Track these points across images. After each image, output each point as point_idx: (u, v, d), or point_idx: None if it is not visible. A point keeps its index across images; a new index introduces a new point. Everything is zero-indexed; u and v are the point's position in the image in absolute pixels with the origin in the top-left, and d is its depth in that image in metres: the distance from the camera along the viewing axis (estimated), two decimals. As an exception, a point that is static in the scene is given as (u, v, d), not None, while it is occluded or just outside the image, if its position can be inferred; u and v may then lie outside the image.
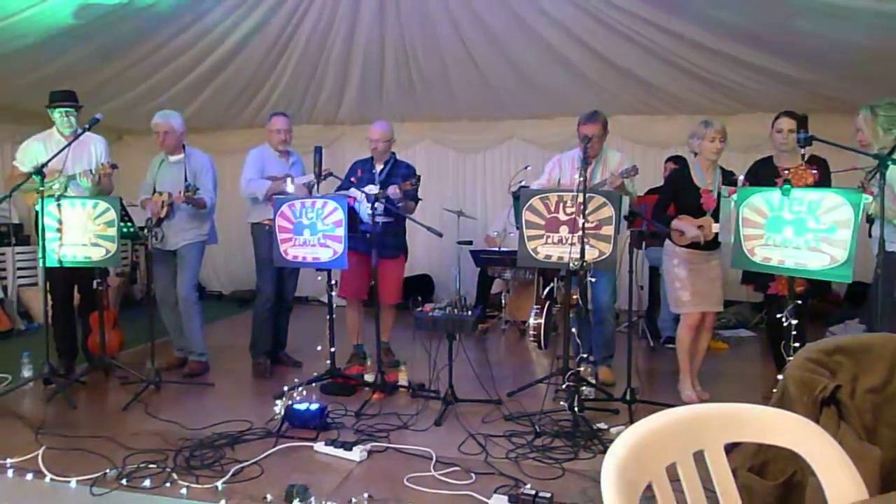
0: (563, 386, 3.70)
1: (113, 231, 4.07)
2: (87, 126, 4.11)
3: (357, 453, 3.15)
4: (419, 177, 4.52)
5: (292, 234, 4.08)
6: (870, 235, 3.49)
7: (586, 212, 3.54)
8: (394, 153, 4.76)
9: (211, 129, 7.52)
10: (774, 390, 2.04)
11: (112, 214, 4.07)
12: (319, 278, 4.21)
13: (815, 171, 3.79)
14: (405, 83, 6.47)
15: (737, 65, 5.37)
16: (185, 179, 4.46)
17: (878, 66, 4.91)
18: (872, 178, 3.09)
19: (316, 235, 4.01)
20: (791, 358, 2.76)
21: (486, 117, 7.26)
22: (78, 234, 4.10)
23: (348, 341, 4.83)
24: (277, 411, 3.67)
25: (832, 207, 2.94)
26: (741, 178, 3.83)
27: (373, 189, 4.40)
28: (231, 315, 6.95)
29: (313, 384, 4.14)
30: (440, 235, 4.16)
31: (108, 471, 2.97)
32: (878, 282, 3.24)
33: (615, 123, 5.77)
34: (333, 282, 4.21)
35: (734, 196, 3.35)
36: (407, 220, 4.58)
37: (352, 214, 4.10)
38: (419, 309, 3.92)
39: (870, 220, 3.41)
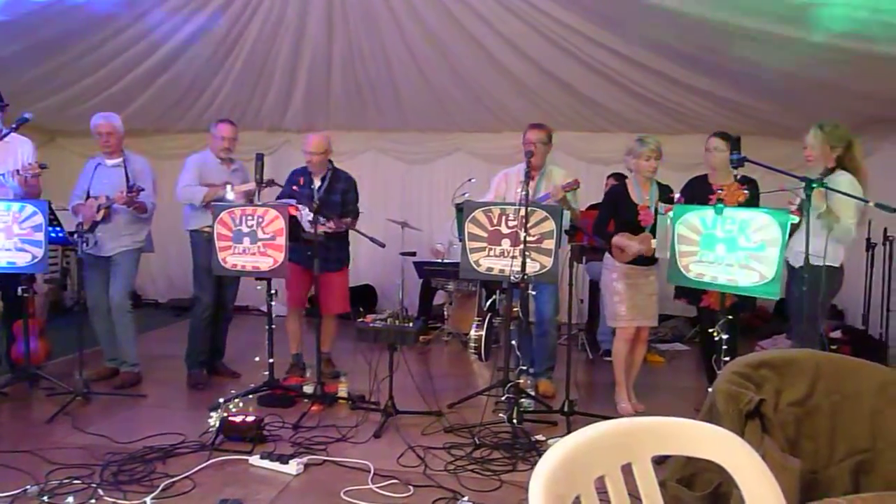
0: (503, 398, 3.73)
1: (40, 236, 3.92)
2: (14, 126, 3.94)
3: (293, 466, 3.10)
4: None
5: (231, 242, 3.99)
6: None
7: (528, 225, 3.58)
8: (331, 162, 4.70)
9: (150, 133, 7.32)
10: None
11: (39, 218, 3.92)
12: (259, 287, 4.14)
13: (746, 191, 3.89)
14: (352, 91, 6.44)
15: (677, 86, 5.55)
16: (128, 181, 4.33)
17: (809, 94, 5.15)
18: (805, 201, 3.19)
19: (256, 244, 3.95)
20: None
21: (433, 128, 7.26)
22: (2, 238, 3.94)
23: (288, 351, 4.74)
24: (212, 423, 3.56)
25: (762, 227, 3.02)
26: (677, 195, 3.92)
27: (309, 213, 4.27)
28: (167, 324, 6.76)
29: (251, 395, 4.05)
30: (382, 246, 4.15)
31: (28, 487, 2.83)
32: (790, 295, 3.39)
33: (559, 139, 5.85)
34: (273, 291, 4.13)
35: (670, 213, 3.43)
36: (350, 231, 4.56)
37: (294, 223, 4.05)
38: (361, 320, 3.89)
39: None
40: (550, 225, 3.63)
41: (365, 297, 7.15)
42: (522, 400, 3.81)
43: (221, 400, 3.84)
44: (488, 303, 5.40)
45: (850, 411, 1.94)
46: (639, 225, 4.04)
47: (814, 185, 3.13)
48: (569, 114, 6.48)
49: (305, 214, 4.28)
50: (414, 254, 6.35)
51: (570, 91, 5.96)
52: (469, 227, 3.78)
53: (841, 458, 1.90)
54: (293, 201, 4.33)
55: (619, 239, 4.06)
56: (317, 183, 4.60)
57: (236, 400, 3.89)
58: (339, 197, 4.60)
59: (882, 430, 1.91)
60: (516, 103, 6.31)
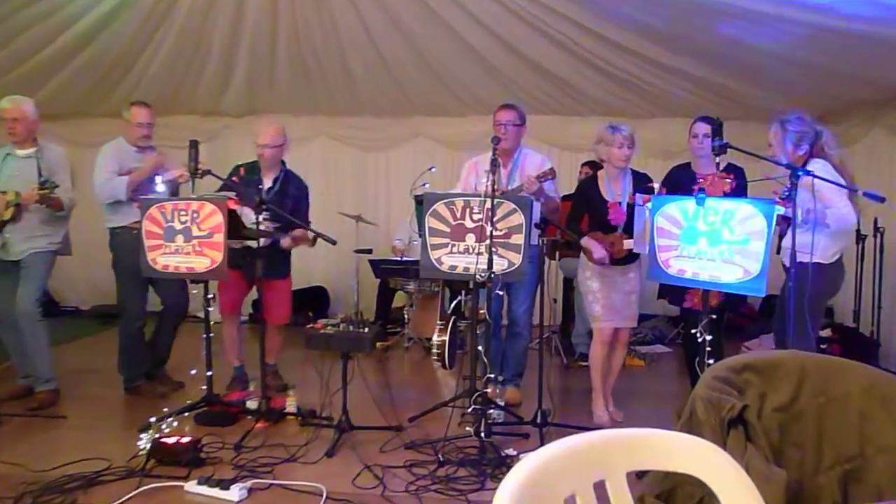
0: (470, 409, 3.72)
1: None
2: None
3: (235, 492, 3.05)
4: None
5: (162, 241, 3.93)
6: (777, 252, 3.70)
7: (494, 219, 3.59)
8: (284, 163, 4.64)
9: (68, 117, 7.12)
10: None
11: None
12: (195, 291, 4.08)
13: (731, 181, 3.99)
14: (299, 71, 6.37)
15: (655, 67, 5.60)
16: (40, 175, 4.19)
17: (795, 76, 5.26)
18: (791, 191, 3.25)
19: (190, 242, 3.89)
20: (704, 375, 2.98)
21: (391, 112, 7.25)
22: None
23: (228, 363, 4.67)
24: (142, 446, 3.49)
25: (746, 218, 3.09)
26: (657, 185, 3.96)
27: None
28: (91, 333, 6.60)
29: (186, 413, 3.98)
30: (333, 243, 4.11)
31: (-72, 524, 2.78)
32: (784, 294, 3.46)
33: (532, 123, 5.90)
34: (210, 296, 4.07)
35: (649, 204, 3.47)
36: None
37: (234, 218, 3.98)
38: (310, 326, 3.86)
39: (782, 233, 3.63)
40: (519, 218, 3.65)
41: (316, 301, 7.11)
42: (491, 411, 3.81)
43: (153, 419, 3.75)
44: (453, 304, 5.43)
45: (836, 415, 1.99)
46: (609, 223, 4.08)
47: (799, 174, 3.19)
48: (539, 96, 6.52)
49: (247, 214, 4.17)
50: (370, 251, 6.34)
51: (540, 71, 6.00)
52: (429, 222, 3.77)
53: (829, 466, 1.95)
54: (233, 193, 4.23)
55: (587, 241, 4.11)
56: (266, 184, 4.51)
57: (170, 419, 3.81)
58: (291, 203, 4.50)
59: (870, 435, 1.96)
60: (482, 84, 6.33)
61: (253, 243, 4.09)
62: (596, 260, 4.05)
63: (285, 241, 4.40)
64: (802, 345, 3.24)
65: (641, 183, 4.08)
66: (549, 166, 4.27)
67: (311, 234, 4.32)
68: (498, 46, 5.67)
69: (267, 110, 7.05)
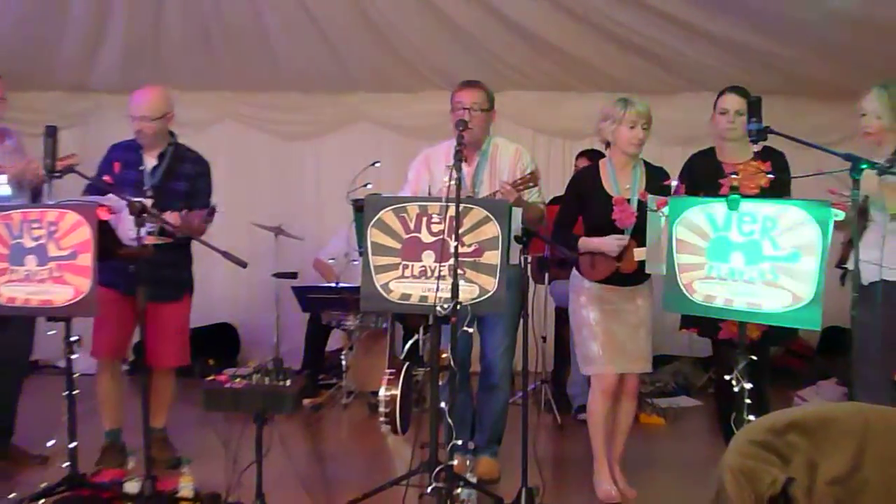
0: (430, 489, 3.65)
1: None
2: None
3: None
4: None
5: (7, 264, 3.84)
6: (840, 265, 3.77)
7: (460, 231, 3.57)
8: (173, 134, 4.65)
9: None
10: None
11: None
12: (52, 332, 4.01)
13: (769, 173, 4.02)
14: (196, 33, 6.34)
15: (674, 26, 5.68)
16: None
17: (861, 38, 5.37)
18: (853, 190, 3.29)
19: (46, 266, 3.80)
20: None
21: (322, 88, 7.27)
22: None
23: (100, 428, 4.60)
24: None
25: (793, 226, 3.08)
26: (675, 182, 3.98)
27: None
28: None
29: (41, 501, 3.84)
30: (243, 265, 4.05)
31: None
32: (857, 324, 3.38)
33: (507, 103, 5.96)
34: (76, 338, 3.95)
35: (665, 209, 3.46)
36: (194, 243, 4.46)
37: (106, 232, 3.90)
38: (212, 378, 3.80)
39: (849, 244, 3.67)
40: (493, 229, 3.62)
41: (220, 343, 7.04)
42: (459, 491, 3.77)
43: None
44: (406, 347, 5.19)
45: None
46: (613, 225, 4.07)
47: (863, 167, 3.21)
48: (521, 66, 6.58)
49: (126, 217, 4.08)
50: (295, 275, 6.29)
51: (523, 34, 6.04)
52: (373, 235, 3.73)
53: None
54: (107, 199, 4.12)
55: (584, 240, 4.11)
56: (149, 163, 4.51)
57: (17, 509, 3.76)
58: (185, 185, 4.52)
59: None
60: (444, 52, 6.39)
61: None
62: (609, 269, 4.02)
63: (172, 216, 4.28)
64: (879, 396, 3.26)
65: (657, 181, 4.10)
66: (531, 168, 4.28)
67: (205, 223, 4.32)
68: (466, 1, 5.70)
69: (152, 83, 6.91)
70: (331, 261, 6.32)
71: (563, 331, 5.91)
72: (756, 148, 3.62)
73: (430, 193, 4.29)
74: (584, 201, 4.19)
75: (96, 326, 4.49)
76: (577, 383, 5.64)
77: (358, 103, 7.37)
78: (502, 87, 5.96)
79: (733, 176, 3.75)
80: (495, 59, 6.37)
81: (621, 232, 4.06)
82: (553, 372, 6.05)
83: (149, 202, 4.15)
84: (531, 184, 4.12)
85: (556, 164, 6.62)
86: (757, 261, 3.17)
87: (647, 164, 4.21)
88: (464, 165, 4.09)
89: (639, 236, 3.93)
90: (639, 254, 3.95)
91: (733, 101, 4.05)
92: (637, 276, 4.05)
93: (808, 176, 3.91)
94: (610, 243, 4.01)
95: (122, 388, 4.72)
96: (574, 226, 4.23)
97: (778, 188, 4.00)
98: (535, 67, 6.61)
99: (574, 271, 4.21)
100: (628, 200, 4.07)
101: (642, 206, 3.91)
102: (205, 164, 4.69)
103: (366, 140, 7.32)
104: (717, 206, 3.29)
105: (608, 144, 4.20)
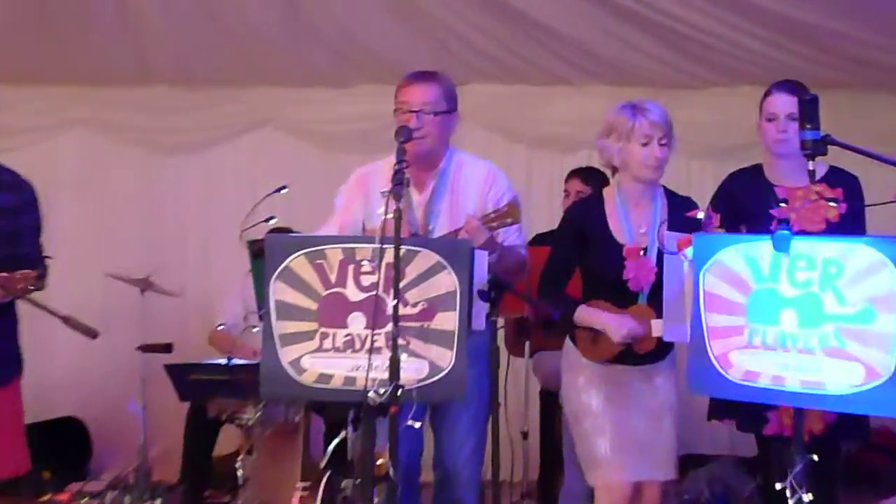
0: None
1: None
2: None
3: None
4: None
5: None
6: None
7: (402, 284, 3.45)
8: None
9: None
10: None
11: None
12: None
13: (839, 201, 3.95)
14: (19, 10, 6.21)
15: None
16: None
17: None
18: None
19: None
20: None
21: (209, 81, 7.19)
22: None
23: None
24: None
25: (865, 272, 3.01)
26: (701, 213, 3.90)
27: None
28: None
29: None
30: (93, 336, 4.01)
31: None
32: None
33: (474, 101, 5.87)
34: None
35: (689, 251, 3.42)
36: (21, 303, 4.33)
37: None
38: (47, 499, 3.86)
39: None
40: (449, 281, 3.49)
41: (62, 446, 6.81)
42: None
43: None
44: (328, 450, 5.23)
45: None
46: (624, 286, 3.98)
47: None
48: (491, 50, 6.55)
49: None
50: (169, 347, 6.15)
51: (494, 6, 5.98)
52: (278, 291, 3.63)
53: None
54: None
55: (586, 313, 4.00)
56: None
57: None
58: (4, 225, 4.37)
59: None
60: (387, 33, 6.33)
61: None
62: (617, 346, 3.94)
63: None
64: None
65: (678, 212, 4.01)
66: (508, 197, 4.15)
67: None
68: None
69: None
70: (220, 327, 6.16)
71: (553, 423, 5.80)
72: (815, 167, 3.48)
73: (364, 231, 4.20)
74: (583, 248, 4.10)
75: None
76: (575, 496, 5.46)
77: (261, 102, 7.29)
78: (466, 80, 6.10)
79: (783, 205, 3.79)
80: (460, 42, 6.31)
81: (635, 296, 3.98)
82: (539, 481, 5.95)
83: None
84: (509, 219, 3.97)
85: (540, 186, 6.48)
86: (816, 322, 3.09)
87: (668, 192, 4.13)
88: (413, 192, 4.15)
89: (656, 300, 3.90)
90: (657, 327, 3.89)
91: (784, 103, 3.96)
92: (657, 350, 3.99)
93: (886, 204, 3.87)
94: (617, 327, 3.93)
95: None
96: (569, 281, 4.16)
97: (851, 224, 3.95)
98: (510, 52, 6.54)
99: (567, 341, 4.12)
100: (644, 251, 3.99)
101: (661, 257, 3.87)
102: (29, 191, 4.52)
103: (271, 154, 7.23)
104: (762, 247, 3.20)
105: (615, 168, 4.12)
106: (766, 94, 4.07)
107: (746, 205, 4.01)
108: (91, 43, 6.64)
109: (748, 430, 4.15)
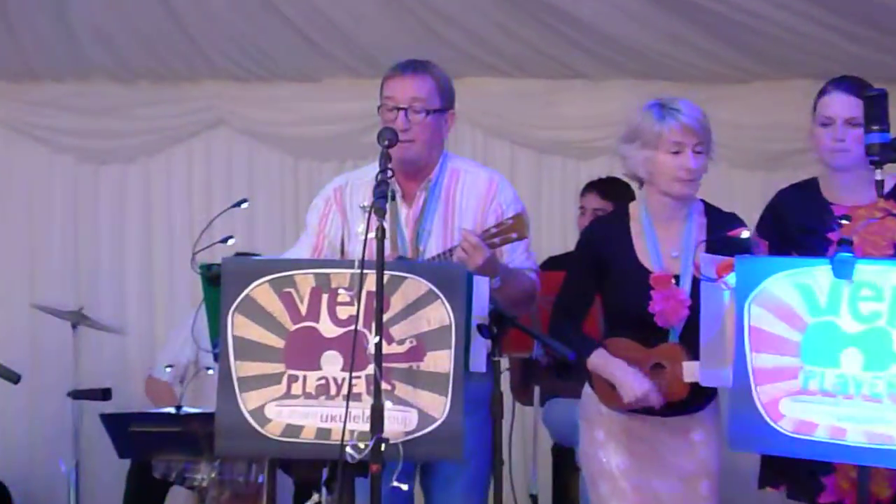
0: None
1: None
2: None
3: None
4: None
5: None
6: None
7: (386, 317, 3.43)
8: None
9: None
10: None
11: None
12: None
13: None
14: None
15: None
16: None
17: None
18: None
19: None
20: None
21: (153, 75, 7.30)
22: None
23: None
24: None
25: None
26: (746, 232, 3.84)
27: None
28: None
29: None
30: (15, 381, 4.32)
31: None
32: None
33: (471, 96, 5.91)
34: None
35: (731, 277, 3.41)
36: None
37: None
38: None
39: None
40: (442, 314, 3.49)
41: None
42: None
43: None
44: None
45: None
46: (652, 321, 3.94)
47: None
48: (494, 40, 6.63)
49: None
50: (107, 394, 6.10)
51: None
52: (238, 326, 3.63)
53: None
54: None
55: (601, 359, 3.99)
56: None
57: None
58: None
59: None
60: (365, 17, 6.42)
61: None
62: (629, 404, 3.92)
63: None
64: None
65: (719, 231, 3.97)
66: (514, 210, 4.13)
67: None
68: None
69: None
70: (168, 369, 6.09)
71: (568, 485, 5.90)
72: (884, 176, 3.56)
73: (344, 253, 4.20)
74: (604, 274, 4.06)
75: None
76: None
77: (213, 100, 7.39)
78: (461, 72, 6.07)
79: (845, 222, 3.78)
80: (460, 31, 6.41)
81: (665, 333, 3.97)
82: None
83: None
84: (514, 235, 3.91)
85: (551, 201, 6.48)
86: (885, 363, 3.11)
87: (708, 207, 4.11)
88: (400, 206, 4.19)
89: (695, 338, 3.78)
90: (690, 371, 3.87)
91: (842, 104, 3.96)
92: (693, 398, 3.99)
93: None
94: (630, 388, 3.97)
95: None
96: (587, 314, 4.15)
97: None
98: (515, 39, 6.62)
99: (587, 387, 4.10)
100: (676, 279, 3.99)
101: (697, 285, 3.82)
102: None
103: (227, 162, 7.37)
104: (819, 273, 3.23)
105: (640, 180, 4.09)
106: (821, 93, 4.06)
107: (799, 228, 4.05)
108: (10, 31, 6.65)
109: (800, 497, 4.11)
